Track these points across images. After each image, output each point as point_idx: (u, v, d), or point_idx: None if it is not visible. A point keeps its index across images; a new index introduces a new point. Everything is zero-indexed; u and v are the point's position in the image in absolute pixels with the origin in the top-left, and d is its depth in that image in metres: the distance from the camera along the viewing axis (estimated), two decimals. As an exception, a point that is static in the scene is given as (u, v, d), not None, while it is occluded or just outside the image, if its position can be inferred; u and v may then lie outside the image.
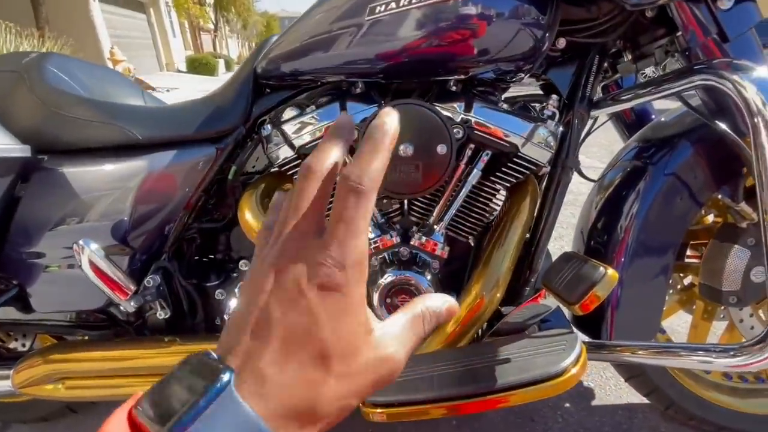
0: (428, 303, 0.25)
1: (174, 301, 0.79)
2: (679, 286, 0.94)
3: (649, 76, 0.94)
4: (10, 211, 0.72)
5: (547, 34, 0.66)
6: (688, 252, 0.91)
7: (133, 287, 0.70)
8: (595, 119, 0.84)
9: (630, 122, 0.98)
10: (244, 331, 0.21)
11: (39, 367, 0.75)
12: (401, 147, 0.62)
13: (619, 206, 0.80)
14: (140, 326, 0.81)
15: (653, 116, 0.97)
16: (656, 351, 0.64)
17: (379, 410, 0.57)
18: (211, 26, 24.84)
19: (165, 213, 0.75)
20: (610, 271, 0.50)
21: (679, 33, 0.67)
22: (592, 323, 0.79)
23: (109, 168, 0.72)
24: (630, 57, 0.82)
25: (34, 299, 0.76)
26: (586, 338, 0.62)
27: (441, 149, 0.62)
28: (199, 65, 14.51)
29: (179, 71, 15.21)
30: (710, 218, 0.92)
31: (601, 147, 2.92)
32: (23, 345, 0.94)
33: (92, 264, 0.65)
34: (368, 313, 0.23)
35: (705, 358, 0.61)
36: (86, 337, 0.85)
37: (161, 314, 0.77)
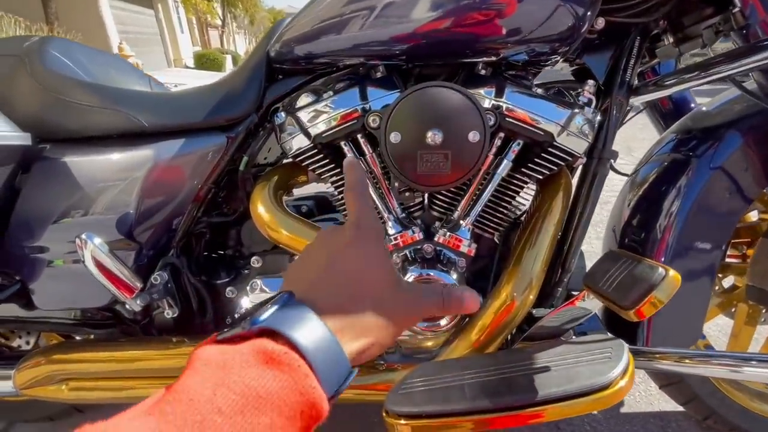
0: (452, 289, 0.32)
1: (182, 299, 0.75)
2: (718, 289, 0.88)
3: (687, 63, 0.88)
4: (11, 203, 0.68)
5: (589, 13, 0.59)
6: (729, 251, 0.85)
7: (139, 284, 0.66)
8: (630, 108, 0.77)
9: (667, 112, 0.92)
10: (301, 278, 0.30)
11: (41, 368, 0.72)
12: (429, 134, 0.57)
13: (657, 202, 0.74)
14: (147, 325, 0.77)
15: (693, 105, 0.90)
16: (704, 360, 0.58)
17: (403, 421, 0.53)
18: (219, 22, 24.85)
19: (173, 206, 0.71)
20: (672, 272, 0.44)
21: (736, 9, 0.61)
22: (626, 328, 0.74)
23: (114, 157, 0.67)
24: (672, 39, 0.75)
25: (37, 296, 0.73)
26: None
27: (473, 137, 0.57)
28: (206, 61, 14.53)
29: (187, 67, 15.25)
30: (754, 215, 0.86)
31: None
32: (27, 343, 0.91)
33: (95, 260, 0.61)
34: (394, 267, 0.32)
35: (760, 369, 0.55)
36: (92, 336, 0.82)
37: (169, 313, 0.73)
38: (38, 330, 0.85)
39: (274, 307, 0.25)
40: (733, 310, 0.86)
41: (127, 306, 0.67)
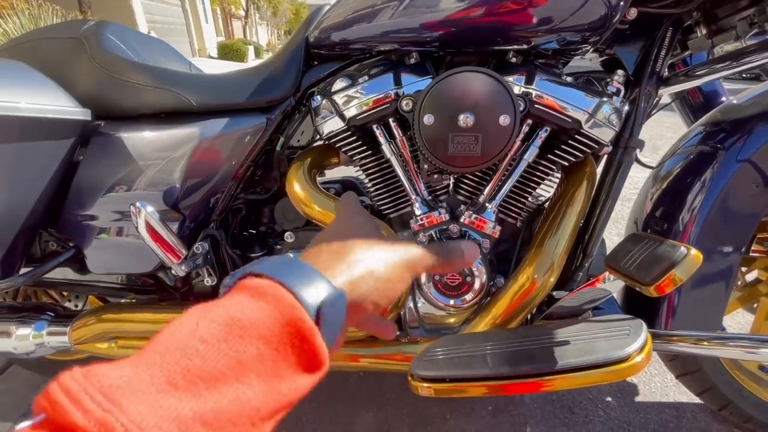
0: (452, 243, 0.34)
1: (220, 269, 0.80)
2: (740, 282, 0.88)
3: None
4: (70, 175, 0.75)
5: (621, 3, 0.61)
6: (754, 246, 0.85)
7: (184, 251, 0.71)
8: (658, 99, 0.78)
9: (696, 104, 0.91)
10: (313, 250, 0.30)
11: (94, 326, 0.78)
12: (461, 117, 0.59)
13: (682, 194, 0.75)
14: (186, 292, 0.83)
15: (723, 98, 0.90)
16: (721, 342, 0.60)
17: (426, 384, 0.56)
18: (242, 13, 25.11)
19: (214, 181, 0.76)
20: (694, 251, 0.46)
21: (772, 0, 0.61)
22: (646, 312, 0.75)
23: (163, 134, 0.73)
24: (705, 31, 0.75)
25: (90, 261, 0.79)
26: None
27: (504, 120, 0.59)
28: (229, 51, 14.73)
29: (211, 57, 15.50)
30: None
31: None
32: (75, 306, 0.98)
33: (148, 225, 0.66)
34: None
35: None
36: (134, 300, 0.88)
37: (208, 281, 0.78)
38: (87, 293, 0.92)
39: (277, 260, 0.25)
40: (754, 305, 0.86)
41: (173, 271, 0.72)
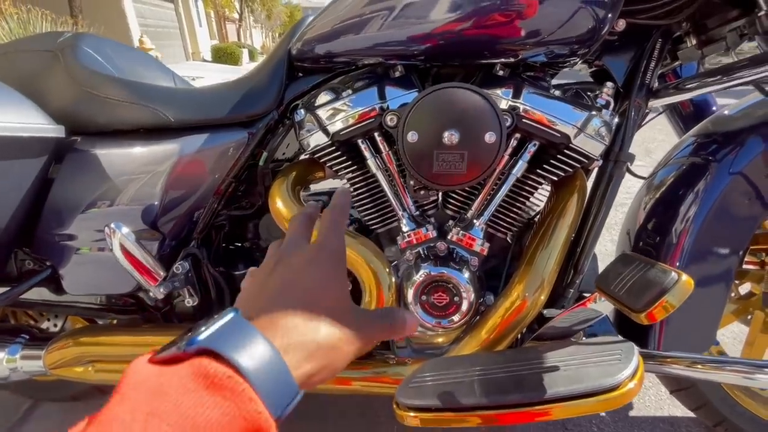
0: (396, 312, 0.32)
1: (202, 289, 0.78)
2: (734, 295, 0.87)
3: (710, 65, 0.86)
4: (44, 192, 0.72)
5: (609, 15, 0.59)
6: (747, 258, 0.84)
7: (162, 273, 0.69)
8: (648, 111, 0.77)
9: (687, 114, 0.90)
10: (252, 297, 0.29)
11: (70, 349, 0.76)
12: (446, 134, 0.58)
13: (674, 206, 0.74)
14: (168, 312, 0.81)
15: (714, 108, 0.89)
16: (717, 366, 0.58)
17: (413, 414, 0.54)
18: (236, 16, 25.06)
19: (195, 198, 0.74)
20: (685, 277, 0.45)
21: (762, 12, 0.60)
22: (638, 331, 0.74)
23: (141, 151, 0.70)
24: (695, 42, 0.74)
25: (66, 281, 0.76)
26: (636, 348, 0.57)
27: (490, 137, 0.57)
28: (223, 55, 14.68)
29: (204, 60, 15.44)
30: (774, 222, 0.84)
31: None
32: (55, 326, 0.95)
33: (123, 248, 0.64)
34: (347, 293, 0.30)
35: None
36: (115, 321, 0.86)
37: (189, 301, 0.75)
38: (66, 313, 0.89)
39: (217, 325, 0.23)
40: (749, 317, 0.85)
41: (151, 293, 0.70)
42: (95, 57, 0.77)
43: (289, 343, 0.24)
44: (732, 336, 1.14)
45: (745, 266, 0.83)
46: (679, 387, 0.79)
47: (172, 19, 14.27)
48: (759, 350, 0.80)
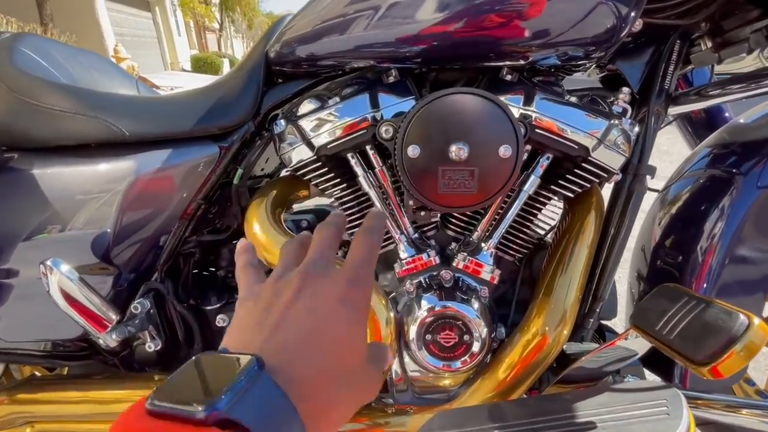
0: (383, 348, 0.29)
1: (167, 329, 0.67)
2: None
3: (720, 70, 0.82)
4: (-29, 220, 0.60)
5: (633, 13, 0.52)
6: None
7: (114, 316, 0.57)
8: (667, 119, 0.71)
9: (698, 122, 0.85)
10: (264, 328, 0.24)
11: (4, 407, 0.63)
12: (453, 148, 0.49)
13: (696, 223, 0.67)
14: (127, 357, 0.69)
15: (727, 115, 0.83)
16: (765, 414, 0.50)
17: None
18: (217, 26, 24.81)
19: (157, 224, 0.63)
20: (758, 320, 0.37)
21: (796, 10, 0.54)
22: (659, 361, 0.66)
23: (90, 169, 0.59)
24: (710, 45, 0.68)
25: (2, 325, 0.64)
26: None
27: (504, 151, 0.49)
28: (203, 64, 14.46)
29: (184, 70, 15.18)
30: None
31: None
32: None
33: (62, 290, 0.53)
34: (367, 344, 0.27)
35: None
36: (66, 370, 0.73)
37: (151, 345, 0.64)
38: (3, 361, 0.76)
39: (242, 384, 0.19)
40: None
41: (100, 341, 0.58)
42: (37, 61, 0.66)
43: (314, 408, 0.22)
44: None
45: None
46: (705, 422, 0.72)
47: (149, 28, 14.02)
48: (788, 377, 0.74)
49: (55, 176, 0.60)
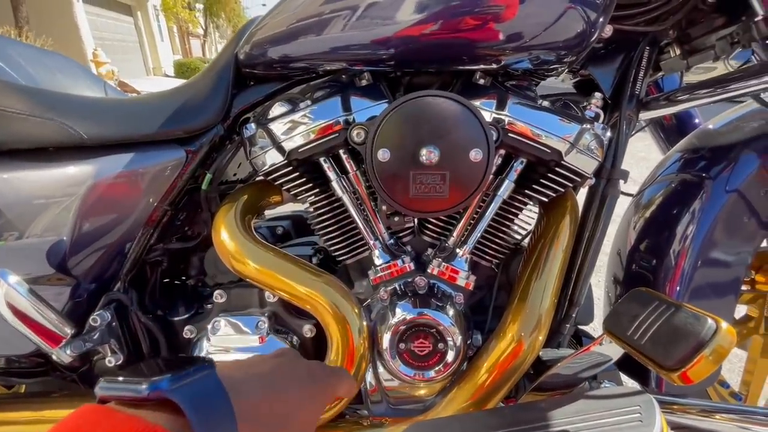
0: (339, 373, 0.33)
1: (129, 343, 0.63)
2: (728, 317, 0.82)
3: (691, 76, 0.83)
4: None
5: (601, 19, 0.53)
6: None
7: (69, 330, 0.53)
8: (639, 123, 0.72)
9: (669, 128, 0.87)
10: (241, 363, 0.29)
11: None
12: (423, 151, 0.48)
13: (669, 226, 0.68)
14: (87, 373, 0.65)
15: (697, 121, 0.85)
16: (740, 419, 0.51)
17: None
18: (201, 31, 24.59)
19: (119, 231, 0.60)
20: (725, 325, 0.37)
21: (759, 17, 0.55)
22: (635, 366, 0.66)
23: (45, 174, 0.56)
24: (679, 51, 0.70)
25: (-53, 340, 0.60)
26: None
27: (475, 155, 0.48)
28: (187, 70, 14.28)
29: (167, 75, 14.96)
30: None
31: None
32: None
33: (9, 304, 0.49)
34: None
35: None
36: (24, 388, 0.69)
37: (112, 360, 0.61)
38: (-48, 379, 0.71)
39: (188, 373, 0.22)
40: (744, 342, 0.80)
41: (54, 357, 0.54)
42: (-8, 60, 0.62)
43: (251, 414, 0.23)
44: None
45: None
46: (681, 426, 0.72)
47: (130, 33, 13.80)
48: (760, 377, 0.75)
49: (8, 182, 0.56)
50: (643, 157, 3.05)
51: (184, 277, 0.73)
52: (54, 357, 0.54)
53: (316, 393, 0.29)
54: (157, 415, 0.20)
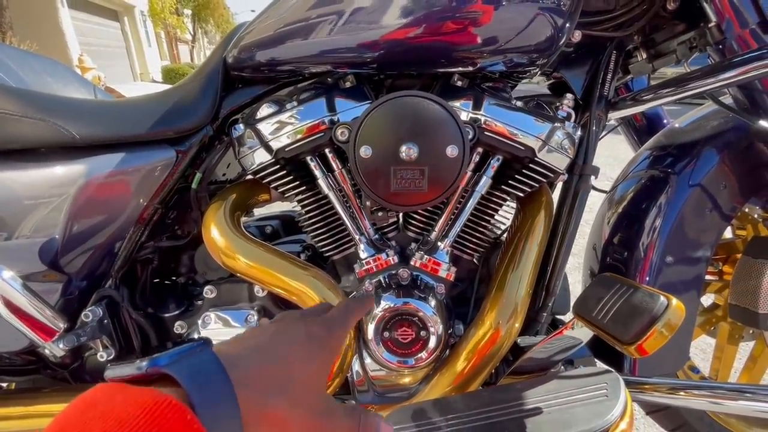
0: (369, 417, 0.32)
1: (121, 338, 0.64)
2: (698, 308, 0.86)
3: (659, 78, 0.88)
4: None
5: (567, 24, 0.57)
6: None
7: (61, 324, 0.55)
8: (608, 123, 0.76)
9: (640, 128, 0.91)
10: (236, 338, 0.30)
11: (-62, 428, 0.59)
12: (403, 148, 0.51)
13: (639, 220, 0.72)
14: (78, 369, 0.66)
15: (665, 121, 0.90)
16: (705, 394, 0.54)
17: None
18: (189, 37, 24.46)
19: (111, 229, 0.62)
20: (675, 301, 0.40)
21: (712, 24, 0.60)
22: (612, 353, 0.70)
23: (37, 174, 0.58)
24: (645, 56, 0.74)
25: (-62, 338, 0.60)
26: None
27: (451, 151, 0.52)
28: (175, 76, 14.17)
29: (154, 81, 14.83)
30: (728, 232, 0.85)
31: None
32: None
33: (3, 298, 0.50)
34: (325, 379, 0.31)
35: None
36: (14, 385, 0.69)
37: (103, 355, 0.62)
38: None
39: (185, 350, 0.24)
40: (712, 329, 0.84)
41: (47, 351, 0.56)
42: (-17, 63, 0.64)
43: (250, 399, 0.24)
44: (694, 346, 1.14)
45: (706, 277, 0.83)
46: (656, 408, 0.76)
47: (117, 38, 13.67)
48: (728, 358, 0.79)
49: (1, 181, 0.58)
50: (624, 159, 3.13)
51: (174, 275, 0.75)
52: (47, 351, 0.55)
53: (315, 351, 0.30)
54: (166, 390, 0.22)
